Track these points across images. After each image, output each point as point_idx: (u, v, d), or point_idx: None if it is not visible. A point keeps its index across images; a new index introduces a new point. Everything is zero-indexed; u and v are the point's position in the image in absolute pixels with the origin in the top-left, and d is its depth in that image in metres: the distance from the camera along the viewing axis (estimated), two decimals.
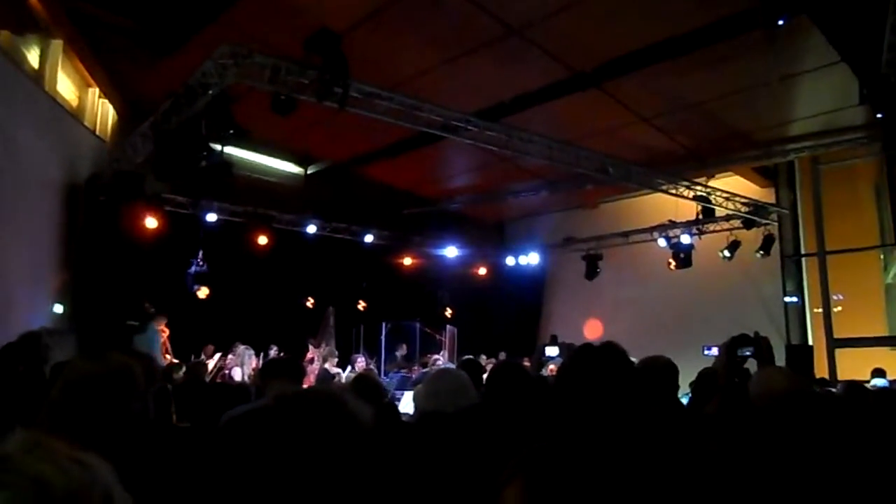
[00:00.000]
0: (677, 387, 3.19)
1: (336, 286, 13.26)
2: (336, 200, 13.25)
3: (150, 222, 10.10)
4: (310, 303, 13.33)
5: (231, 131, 7.28)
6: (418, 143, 10.66)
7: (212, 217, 11.41)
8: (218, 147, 7.69)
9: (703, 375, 3.48)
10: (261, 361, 10.33)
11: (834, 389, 5.38)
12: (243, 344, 10.27)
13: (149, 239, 10.01)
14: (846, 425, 2.72)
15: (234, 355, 10.03)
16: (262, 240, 11.96)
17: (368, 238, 13.36)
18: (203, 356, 10.04)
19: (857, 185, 12.28)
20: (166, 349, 9.68)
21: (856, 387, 4.13)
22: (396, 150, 11.40)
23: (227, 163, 8.39)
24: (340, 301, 13.39)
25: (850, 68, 8.21)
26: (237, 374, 9.58)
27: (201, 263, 11.23)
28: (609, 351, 1.75)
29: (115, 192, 9.66)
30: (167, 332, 9.98)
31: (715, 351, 4.84)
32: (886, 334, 11.38)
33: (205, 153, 7.46)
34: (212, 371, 9.24)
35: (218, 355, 10.15)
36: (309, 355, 11.19)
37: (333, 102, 6.76)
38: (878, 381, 7.99)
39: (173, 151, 7.71)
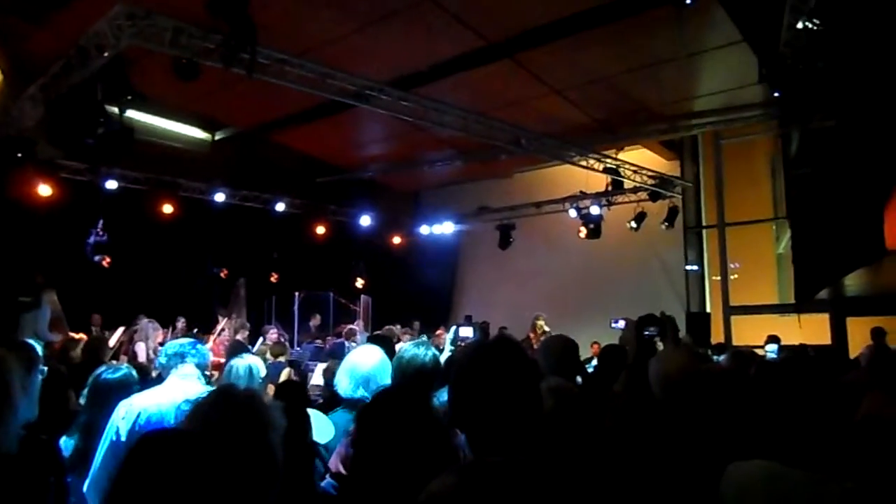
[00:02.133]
0: (578, 365, 3.26)
1: (246, 256, 12.92)
2: (245, 167, 12.83)
3: (44, 189, 9.50)
4: (223, 273, 12.96)
5: (129, 97, 6.86)
6: (331, 111, 10.41)
7: (112, 184, 10.84)
8: (116, 111, 7.27)
9: (608, 351, 3.57)
10: (168, 335, 9.98)
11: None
12: (147, 317, 9.86)
13: (42, 207, 9.43)
14: (732, 401, 2.85)
15: (138, 329, 9.62)
16: (168, 208, 11.47)
17: (280, 207, 13.03)
18: (92, 327, 9.61)
19: (755, 161, 12.89)
20: (61, 324, 9.16)
21: (741, 357, 4.35)
22: (308, 116, 11.10)
23: (128, 128, 7.95)
24: (251, 271, 13.07)
25: (751, 47, 8.54)
26: (141, 350, 9.20)
27: (101, 233, 10.68)
28: (504, 349, 1.75)
29: (2, 158, 8.99)
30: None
31: (622, 324, 4.98)
32: (777, 302, 12.09)
33: (101, 119, 7.02)
34: (114, 347, 8.83)
35: (121, 329, 9.70)
36: (219, 327, 10.88)
37: (241, 69, 6.47)
38: (770, 347, 8.49)
39: (67, 116, 7.23)
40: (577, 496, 1.56)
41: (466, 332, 3.73)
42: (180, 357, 3.39)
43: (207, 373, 7.45)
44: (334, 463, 2.94)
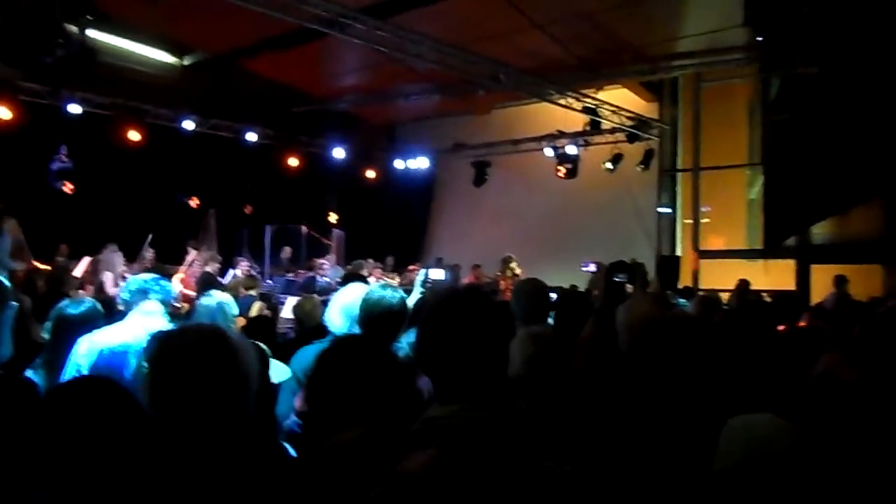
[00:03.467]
0: (549, 308, 3.26)
1: (217, 187, 12.66)
2: (215, 95, 12.41)
3: (2, 111, 9.13)
4: (194, 202, 12.71)
5: (89, 16, 6.52)
6: (305, 38, 10.03)
7: (75, 108, 10.44)
8: (76, 30, 6.92)
9: (565, 297, 3.57)
10: (135, 265, 9.82)
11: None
12: (116, 247, 9.69)
13: (0, 130, 9.08)
14: (696, 349, 2.88)
15: (102, 259, 9.44)
16: (134, 135, 11.11)
17: (251, 137, 12.71)
18: (58, 258, 9.42)
19: (733, 105, 12.81)
20: (24, 252, 8.94)
21: (707, 303, 4.40)
22: (281, 43, 10.70)
23: (90, 49, 7.59)
24: (222, 202, 12.84)
25: None
26: (108, 280, 9.05)
27: (65, 159, 10.37)
28: (473, 296, 1.71)
29: None
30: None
31: (592, 267, 5.01)
32: (746, 247, 12.24)
33: (60, 38, 6.67)
34: (80, 278, 8.68)
35: (87, 259, 9.53)
36: (189, 258, 10.73)
37: None
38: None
39: (23, 34, 6.85)
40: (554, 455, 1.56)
41: (437, 274, 3.70)
42: (143, 293, 3.32)
43: (178, 304, 7.40)
44: (298, 401, 2.94)
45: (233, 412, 1.65)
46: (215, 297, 3.54)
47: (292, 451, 2.47)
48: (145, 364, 1.69)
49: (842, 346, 2.36)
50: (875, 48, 8.08)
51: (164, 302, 3.34)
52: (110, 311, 3.83)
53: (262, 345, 2.91)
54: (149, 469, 1.46)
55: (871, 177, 8.73)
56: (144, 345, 3.00)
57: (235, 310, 3.55)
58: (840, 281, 8.86)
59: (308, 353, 3.08)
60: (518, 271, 10.59)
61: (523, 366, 2.28)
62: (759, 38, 9.24)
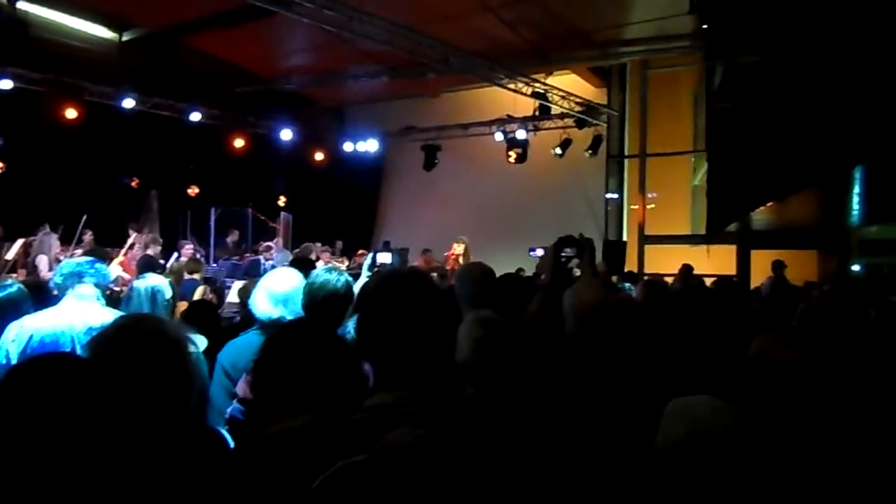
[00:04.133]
0: (495, 292, 3.24)
1: (159, 167, 12.31)
2: (157, 72, 11.97)
3: None
4: (134, 183, 12.33)
5: None
6: (251, 15, 9.74)
7: (6, 84, 9.95)
8: (5, 2, 6.61)
9: (508, 280, 3.55)
10: (72, 248, 9.49)
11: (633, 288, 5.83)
12: (48, 228, 9.34)
13: None
14: (641, 333, 2.91)
15: (37, 241, 9.09)
16: (71, 112, 10.66)
17: (195, 116, 12.34)
18: None
19: (679, 93, 13.04)
20: None
21: (653, 287, 4.48)
22: (226, 20, 10.39)
23: (21, 22, 7.28)
24: (165, 183, 12.49)
25: None
26: (43, 263, 8.72)
27: None
28: (413, 281, 1.68)
29: None
30: None
31: (540, 252, 5.01)
32: (689, 232, 12.53)
33: None
34: (12, 261, 8.35)
35: (20, 241, 9.17)
36: (130, 241, 10.41)
37: None
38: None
39: None
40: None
41: (385, 258, 3.64)
42: (77, 276, 3.17)
43: (117, 288, 7.16)
44: (242, 388, 2.87)
45: (177, 400, 1.61)
46: (149, 281, 3.41)
47: (230, 439, 2.42)
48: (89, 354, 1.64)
49: (776, 328, 2.41)
50: (815, 39, 8.32)
51: (99, 286, 3.21)
52: (44, 296, 3.67)
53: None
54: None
55: (809, 166, 9.01)
56: (79, 331, 2.91)
57: (169, 293, 3.43)
58: (777, 265, 9.15)
59: (235, 346, 3.01)
60: (459, 252, 10.65)
61: (471, 351, 2.26)
62: (705, 27, 9.40)
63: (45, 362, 1.33)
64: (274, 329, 2.95)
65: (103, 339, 1.63)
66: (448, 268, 10.00)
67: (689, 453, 2.11)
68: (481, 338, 2.29)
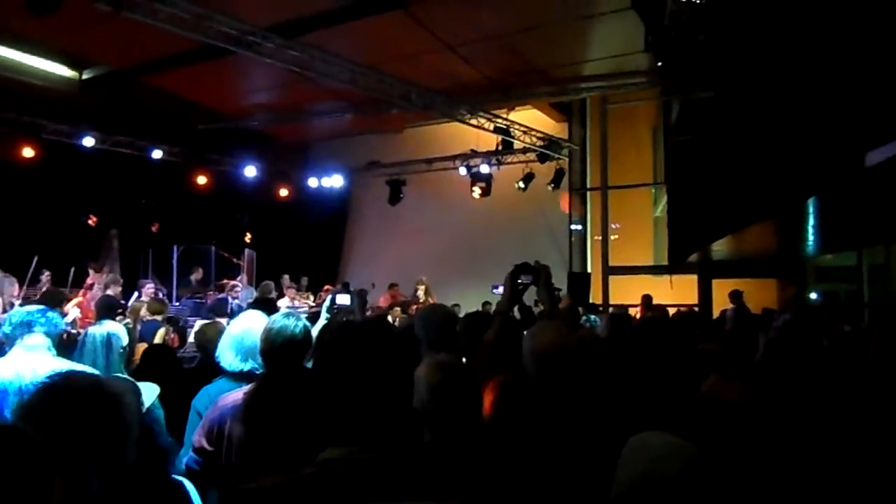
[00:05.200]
0: (454, 335, 3.25)
1: (120, 205, 12.14)
2: (118, 111, 11.89)
3: None
4: (92, 221, 12.12)
5: None
6: (212, 54, 9.71)
7: None
8: None
9: (471, 318, 3.57)
10: (24, 289, 9.25)
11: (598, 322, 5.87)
12: (4, 271, 9.10)
13: None
14: (603, 372, 2.93)
15: None
16: (28, 151, 10.55)
17: (157, 154, 12.26)
18: None
19: (638, 127, 13.34)
20: None
21: (617, 320, 4.50)
22: (188, 59, 10.34)
23: None
24: (126, 222, 12.30)
25: (639, 15, 8.72)
26: None
27: None
28: (372, 331, 1.68)
29: None
30: None
31: (501, 290, 5.05)
32: (652, 263, 12.72)
33: None
34: None
35: None
36: (89, 281, 10.21)
37: (106, 5, 5.92)
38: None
39: None
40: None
41: (344, 299, 3.63)
42: (27, 326, 3.09)
43: (74, 331, 6.98)
44: (198, 438, 2.82)
45: (112, 458, 1.57)
46: (105, 327, 3.35)
47: (190, 486, 2.37)
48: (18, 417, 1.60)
49: (726, 368, 2.46)
50: (766, 74, 8.58)
51: (50, 335, 3.13)
52: None
53: (131, 381, 2.79)
54: None
55: (765, 197, 9.24)
56: (27, 382, 2.83)
57: (125, 340, 3.37)
58: (736, 295, 9.33)
59: (208, 393, 3.02)
60: (422, 298, 10.67)
61: (429, 396, 2.25)
62: (660, 63, 9.65)
63: None
64: (245, 377, 2.95)
65: (33, 398, 1.60)
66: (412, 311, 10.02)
67: (646, 493, 2.12)
68: (438, 383, 2.29)
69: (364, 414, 1.57)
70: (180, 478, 2.26)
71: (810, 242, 10.55)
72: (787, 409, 2.35)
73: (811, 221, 10.09)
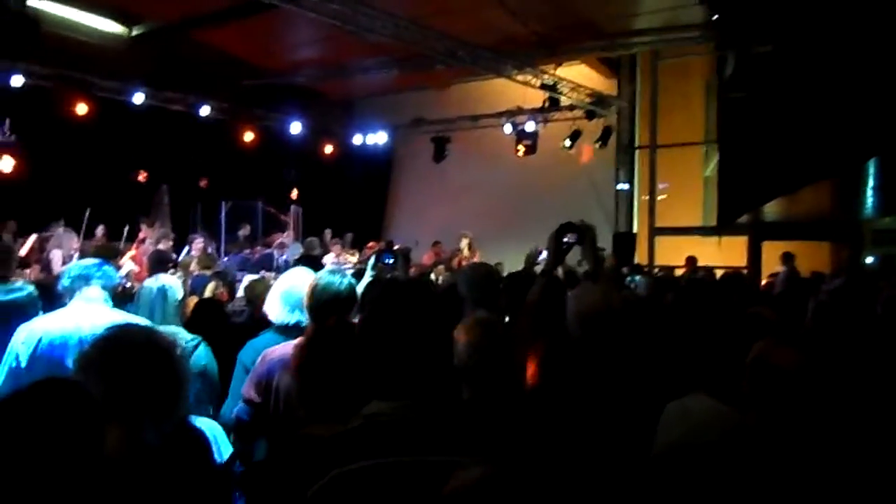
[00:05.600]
0: (498, 293, 3.26)
1: (170, 162, 12.37)
2: (167, 67, 12.01)
3: None
4: (142, 177, 12.41)
5: None
6: (257, 9, 9.71)
7: (17, 80, 10.03)
8: None
9: (512, 279, 3.56)
10: (80, 241, 9.59)
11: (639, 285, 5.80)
12: (63, 222, 9.46)
13: None
14: (645, 334, 2.91)
15: (52, 236, 9.19)
16: (82, 108, 10.78)
17: (205, 111, 12.40)
18: (3, 234, 9.15)
19: (690, 83, 12.92)
20: None
21: (659, 283, 4.45)
22: (233, 14, 10.38)
23: (31, 18, 7.32)
24: (175, 178, 12.55)
25: None
26: (56, 258, 8.81)
27: (7, 132, 10.03)
28: (416, 289, 1.70)
29: None
30: None
31: (545, 255, 5.02)
32: (701, 224, 12.44)
33: None
34: (27, 255, 8.44)
35: (33, 237, 9.27)
36: (141, 235, 10.51)
37: None
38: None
39: None
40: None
41: (390, 259, 3.67)
42: (85, 279, 3.20)
43: (130, 284, 7.22)
44: (247, 390, 2.91)
45: (167, 410, 1.64)
46: (159, 281, 3.46)
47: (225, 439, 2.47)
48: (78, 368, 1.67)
49: (777, 333, 2.41)
50: (829, 28, 8.21)
51: (106, 288, 3.24)
52: (54, 297, 3.71)
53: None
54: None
55: (822, 157, 8.93)
56: (86, 333, 2.94)
57: (180, 293, 3.47)
58: (787, 258, 9.10)
59: (254, 346, 3.10)
60: (466, 253, 10.66)
61: (468, 354, 2.28)
62: (715, 17, 9.30)
63: (36, 390, 1.36)
64: (291, 331, 3.03)
65: (92, 351, 1.66)
66: (455, 266, 10.03)
67: (685, 456, 2.12)
68: (477, 340, 2.31)
69: (407, 370, 1.61)
70: (202, 423, 2.31)
71: (868, 204, 10.19)
72: (837, 378, 2.30)
73: (870, 182, 9.74)
